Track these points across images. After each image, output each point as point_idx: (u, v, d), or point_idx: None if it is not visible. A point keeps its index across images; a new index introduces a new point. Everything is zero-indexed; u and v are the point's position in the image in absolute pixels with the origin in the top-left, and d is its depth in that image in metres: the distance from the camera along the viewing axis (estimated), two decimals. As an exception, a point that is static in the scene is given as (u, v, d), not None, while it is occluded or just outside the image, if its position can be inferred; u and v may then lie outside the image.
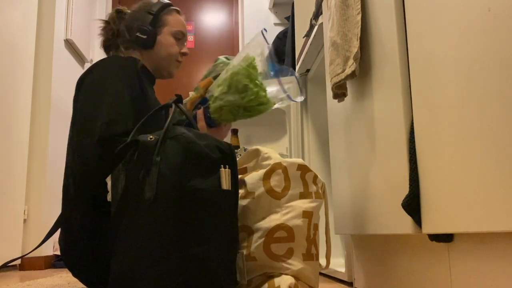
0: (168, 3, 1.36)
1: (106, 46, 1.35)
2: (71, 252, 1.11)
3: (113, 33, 1.33)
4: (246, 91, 1.16)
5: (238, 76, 1.17)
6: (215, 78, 1.29)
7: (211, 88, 1.25)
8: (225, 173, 0.91)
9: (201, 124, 1.24)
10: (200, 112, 1.25)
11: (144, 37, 1.29)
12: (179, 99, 1.03)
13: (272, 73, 1.22)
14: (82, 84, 1.18)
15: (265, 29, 1.24)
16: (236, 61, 1.21)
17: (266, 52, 1.20)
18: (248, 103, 1.16)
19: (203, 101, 1.26)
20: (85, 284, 1.12)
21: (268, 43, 1.22)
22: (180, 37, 1.36)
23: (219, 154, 0.92)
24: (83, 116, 1.12)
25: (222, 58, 1.40)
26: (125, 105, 1.09)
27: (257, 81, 1.17)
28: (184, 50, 1.37)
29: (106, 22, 1.34)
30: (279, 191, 1.05)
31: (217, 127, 1.27)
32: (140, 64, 1.25)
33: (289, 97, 1.21)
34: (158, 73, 1.35)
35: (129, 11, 1.35)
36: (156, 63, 1.33)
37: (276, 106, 1.22)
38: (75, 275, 1.11)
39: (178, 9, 1.39)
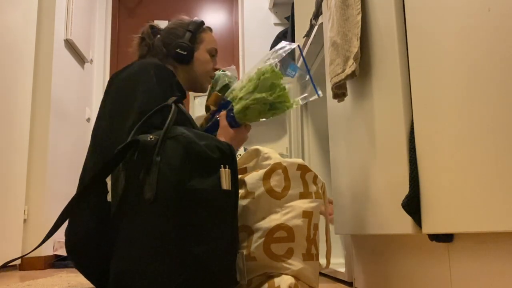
0: (202, 22, 1.44)
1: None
2: (77, 245, 1.11)
3: (149, 48, 1.39)
4: (274, 89, 1.24)
5: (266, 75, 1.24)
6: (220, 91, 1.40)
7: (230, 93, 1.33)
8: (225, 173, 0.91)
9: (224, 123, 1.30)
10: (223, 114, 1.32)
11: (184, 53, 1.35)
12: (179, 99, 1.03)
13: (294, 73, 1.33)
14: (115, 78, 1.21)
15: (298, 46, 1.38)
16: (260, 65, 1.30)
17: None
18: (276, 99, 1.24)
19: (224, 105, 1.34)
20: (89, 279, 1.12)
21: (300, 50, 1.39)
22: (213, 54, 1.44)
23: (219, 154, 0.92)
24: (117, 105, 1.14)
25: (218, 73, 1.49)
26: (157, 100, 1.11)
27: (281, 81, 1.26)
28: (217, 66, 1.45)
29: (142, 38, 1.40)
30: (279, 191, 1.05)
31: (239, 127, 1.32)
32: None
33: (316, 91, 1.31)
34: (191, 87, 1.42)
35: (161, 27, 1.42)
36: (191, 78, 1.39)
37: (295, 106, 1.31)
38: (80, 269, 1.11)
39: (210, 27, 1.49)
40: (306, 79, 1.32)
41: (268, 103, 1.24)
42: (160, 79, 1.16)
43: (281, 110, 1.27)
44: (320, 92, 1.31)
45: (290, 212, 1.03)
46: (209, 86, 1.48)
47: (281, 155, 2.21)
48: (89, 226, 1.08)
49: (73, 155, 3.03)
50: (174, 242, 0.84)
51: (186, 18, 1.44)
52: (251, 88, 1.25)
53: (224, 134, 1.30)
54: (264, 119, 1.31)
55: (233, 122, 1.30)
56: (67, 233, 1.12)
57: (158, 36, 1.39)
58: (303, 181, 1.08)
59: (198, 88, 1.43)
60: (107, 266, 0.91)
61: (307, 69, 1.34)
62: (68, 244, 1.11)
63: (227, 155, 0.94)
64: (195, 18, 1.44)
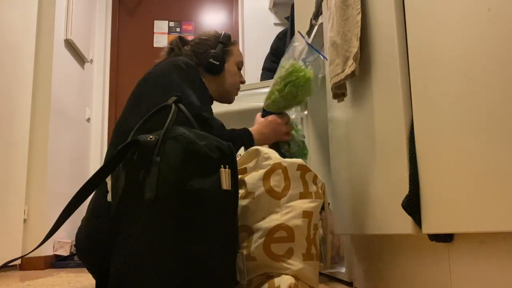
0: (230, 35, 1.47)
1: None
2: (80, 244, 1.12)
3: None
4: (291, 73, 1.36)
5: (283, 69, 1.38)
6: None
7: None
8: (225, 173, 0.91)
9: (257, 116, 1.43)
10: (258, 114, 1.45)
11: (217, 63, 1.38)
12: (179, 99, 1.03)
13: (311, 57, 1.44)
14: (151, 73, 1.25)
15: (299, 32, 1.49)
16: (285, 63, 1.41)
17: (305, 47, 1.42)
18: (292, 77, 1.35)
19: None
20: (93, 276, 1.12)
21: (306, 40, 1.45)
22: (240, 67, 1.48)
23: (219, 154, 0.92)
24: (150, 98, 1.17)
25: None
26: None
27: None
28: (242, 79, 1.49)
29: (171, 49, 1.43)
30: (279, 191, 1.05)
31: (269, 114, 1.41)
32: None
33: (321, 54, 1.44)
34: (219, 98, 1.44)
35: (189, 38, 1.46)
36: (219, 88, 1.41)
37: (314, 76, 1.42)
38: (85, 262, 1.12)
39: (237, 41, 1.55)
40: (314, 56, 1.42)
41: (288, 85, 1.35)
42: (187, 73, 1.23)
43: (305, 90, 1.37)
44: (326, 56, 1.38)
45: (290, 212, 1.03)
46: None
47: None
48: (89, 226, 1.08)
49: (73, 155, 3.03)
50: (174, 242, 0.84)
51: (212, 30, 1.47)
52: (277, 83, 1.38)
53: (256, 123, 1.39)
54: (296, 105, 1.43)
55: (263, 113, 1.41)
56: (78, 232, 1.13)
57: (188, 46, 1.42)
58: (303, 181, 1.08)
59: (225, 99, 1.46)
60: (107, 265, 0.91)
61: (315, 49, 1.42)
62: (76, 243, 1.14)
63: (227, 155, 0.93)
64: (223, 32, 1.47)
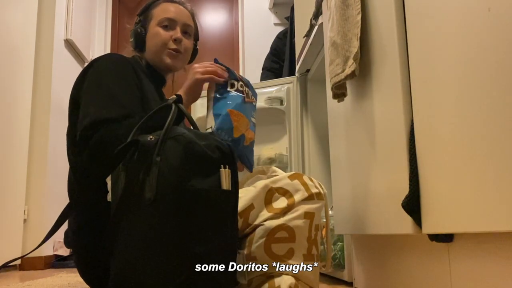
0: (151, 2, 1.32)
1: None
2: (76, 246, 1.12)
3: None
4: None
5: None
6: None
7: None
8: (225, 173, 0.91)
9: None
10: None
11: (131, 39, 1.29)
12: (179, 99, 1.03)
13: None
14: (85, 73, 1.16)
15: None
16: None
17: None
18: None
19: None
20: (87, 283, 1.12)
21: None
22: (166, 24, 1.26)
23: (219, 154, 0.92)
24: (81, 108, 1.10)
25: None
26: (116, 96, 1.07)
27: None
28: (175, 35, 1.25)
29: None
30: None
31: None
32: (144, 63, 1.26)
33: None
34: (161, 69, 1.29)
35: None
36: (152, 60, 1.27)
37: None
38: (77, 266, 1.12)
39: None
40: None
41: None
42: (117, 72, 1.11)
43: None
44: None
45: (292, 213, 1.04)
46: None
47: (281, 155, 2.21)
48: (89, 226, 1.08)
49: (73, 155, 3.02)
50: (174, 242, 0.84)
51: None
52: None
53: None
54: None
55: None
56: (66, 233, 1.13)
57: None
58: (305, 187, 1.09)
59: (163, 67, 1.27)
60: (106, 266, 0.91)
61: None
62: (66, 241, 1.13)
63: (227, 155, 0.93)
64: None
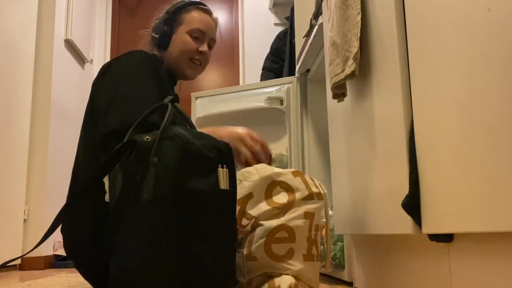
0: (190, 2, 1.33)
1: None
2: (73, 245, 1.12)
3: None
4: None
5: None
6: None
7: None
8: (222, 173, 0.90)
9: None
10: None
11: (156, 36, 1.28)
12: (175, 99, 1.02)
13: None
14: (106, 71, 1.15)
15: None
16: None
17: None
18: None
19: None
20: (86, 279, 1.12)
21: None
22: (197, 35, 1.30)
23: (217, 154, 0.92)
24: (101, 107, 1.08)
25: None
26: (142, 95, 1.06)
27: None
28: (202, 48, 1.30)
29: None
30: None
31: None
32: (163, 64, 1.26)
33: None
34: (177, 74, 1.32)
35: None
36: (171, 63, 1.29)
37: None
38: (77, 267, 1.12)
39: (202, 7, 1.34)
40: None
41: None
42: (143, 71, 1.10)
43: None
44: None
45: (292, 213, 1.03)
46: None
47: (281, 155, 2.20)
48: (87, 226, 1.08)
49: (73, 155, 3.02)
50: (173, 243, 0.84)
51: (179, 1, 1.33)
52: None
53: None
54: None
55: None
56: (63, 233, 1.13)
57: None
58: (306, 185, 1.08)
59: (180, 74, 1.31)
60: (105, 267, 0.91)
61: None
62: (66, 244, 1.12)
63: (225, 155, 0.93)
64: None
